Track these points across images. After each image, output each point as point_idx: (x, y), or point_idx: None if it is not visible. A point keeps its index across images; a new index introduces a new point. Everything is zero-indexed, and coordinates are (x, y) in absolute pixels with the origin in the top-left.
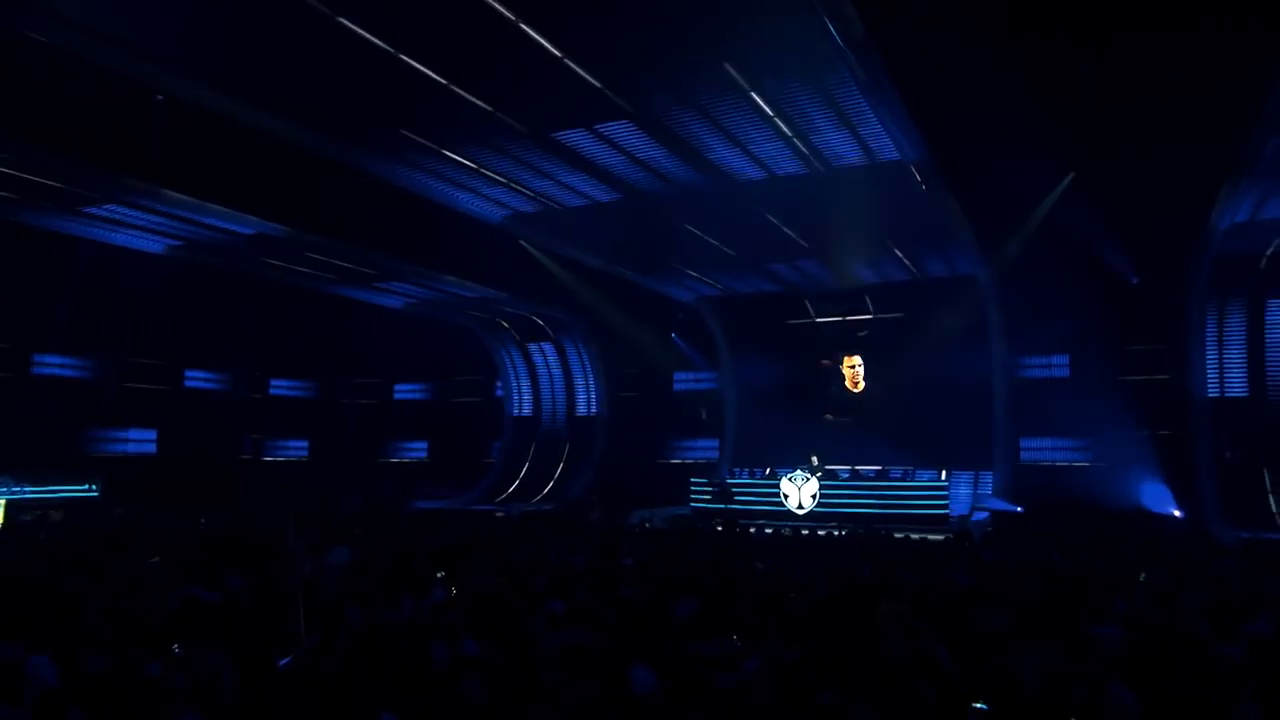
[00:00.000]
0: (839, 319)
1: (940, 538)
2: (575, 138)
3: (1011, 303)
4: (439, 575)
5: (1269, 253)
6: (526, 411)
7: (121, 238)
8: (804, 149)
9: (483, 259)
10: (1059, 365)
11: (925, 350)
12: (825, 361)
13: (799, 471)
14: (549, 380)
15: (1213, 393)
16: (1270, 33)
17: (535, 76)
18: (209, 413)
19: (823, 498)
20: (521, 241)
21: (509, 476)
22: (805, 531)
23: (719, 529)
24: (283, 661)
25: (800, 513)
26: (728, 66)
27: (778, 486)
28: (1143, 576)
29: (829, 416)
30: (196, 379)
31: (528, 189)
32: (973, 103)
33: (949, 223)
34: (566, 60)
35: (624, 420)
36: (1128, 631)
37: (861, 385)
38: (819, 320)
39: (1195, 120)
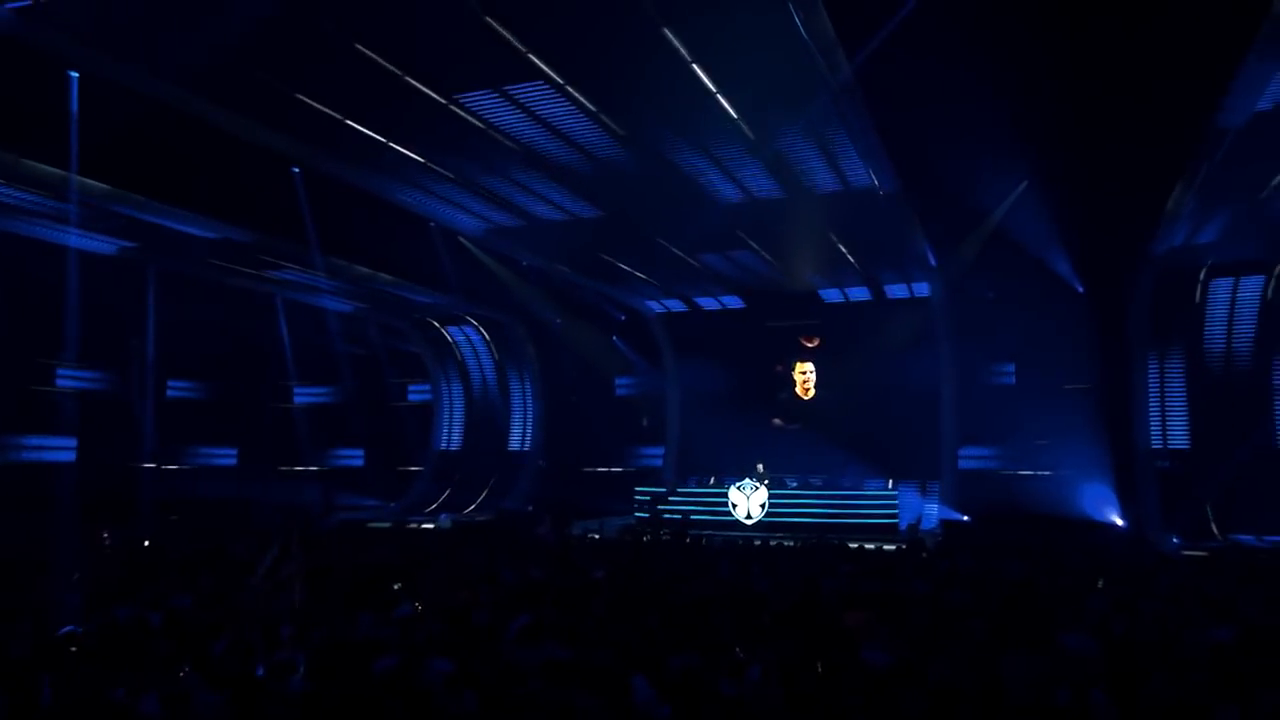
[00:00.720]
0: (788, 324)
1: (892, 547)
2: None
3: (960, 311)
4: (395, 588)
5: (1208, 264)
6: (459, 417)
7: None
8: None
9: (415, 256)
10: (1005, 374)
11: (876, 358)
12: (779, 367)
13: (748, 480)
14: (482, 383)
15: (1153, 405)
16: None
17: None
18: (104, 419)
19: (771, 507)
20: (461, 239)
21: (440, 485)
22: (758, 542)
23: (666, 538)
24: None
25: (749, 522)
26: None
27: (725, 496)
28: (1100, 584)
29: (777, 421)
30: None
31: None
32: (938, 123)
33: (904, 234)
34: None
35: (563, 427)
36: (1097, 638)
37: (812, 393)
38: (768, 325)
39: (1144, 139)
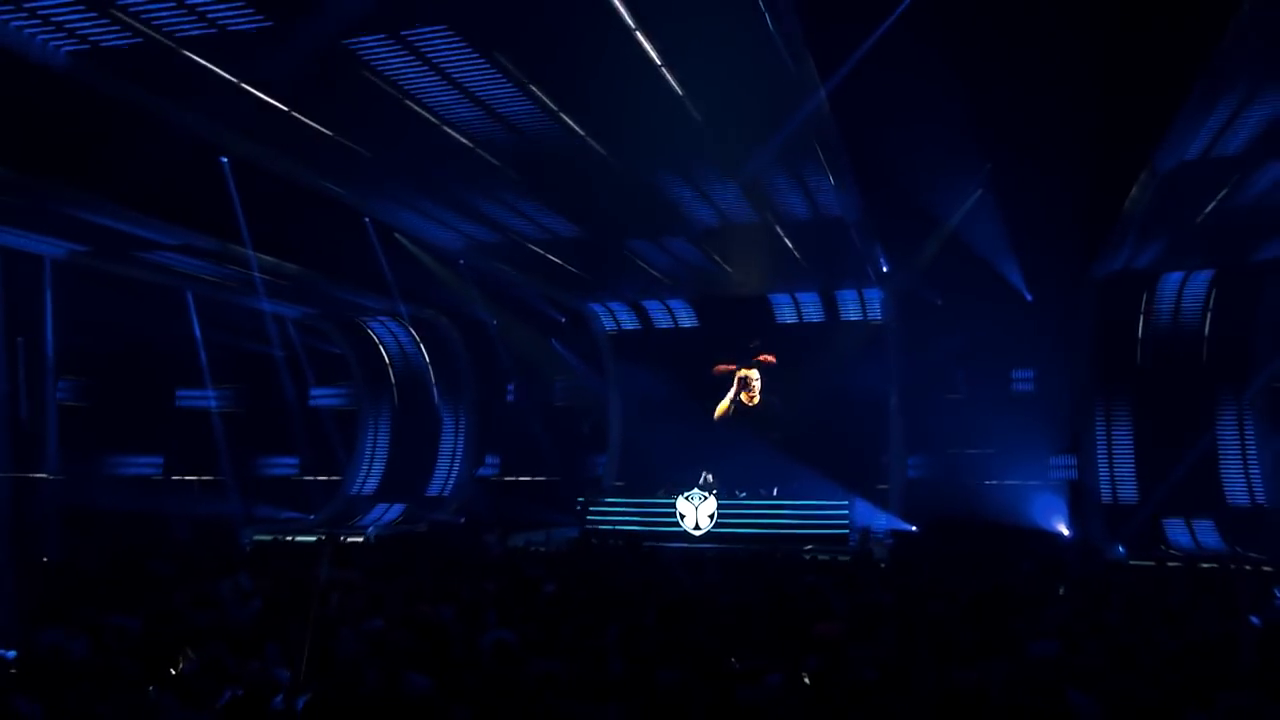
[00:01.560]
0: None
1: (846, 558)
2: None
3: (910, 318)
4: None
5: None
6: (384, 423)
7: None
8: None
9: (344, 250)
10: (952, 379)
11: (824, 364)
12: (720, 367)
13: (696, 490)
14: (411, 387)
15: (1099, 415)
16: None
17: None
18: None
19: (720, 518)
20: (398, 236)
21: (364, 495)
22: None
23: (617, 545)
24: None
25: (697, 533)
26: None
27: (672, 506)
28: (1061, 591)
29: (720, 414)
30: None
31: None
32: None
33: (860, 244)
34: None
35: (498, 433)
36: (1061, 644)
37: (757, 399)
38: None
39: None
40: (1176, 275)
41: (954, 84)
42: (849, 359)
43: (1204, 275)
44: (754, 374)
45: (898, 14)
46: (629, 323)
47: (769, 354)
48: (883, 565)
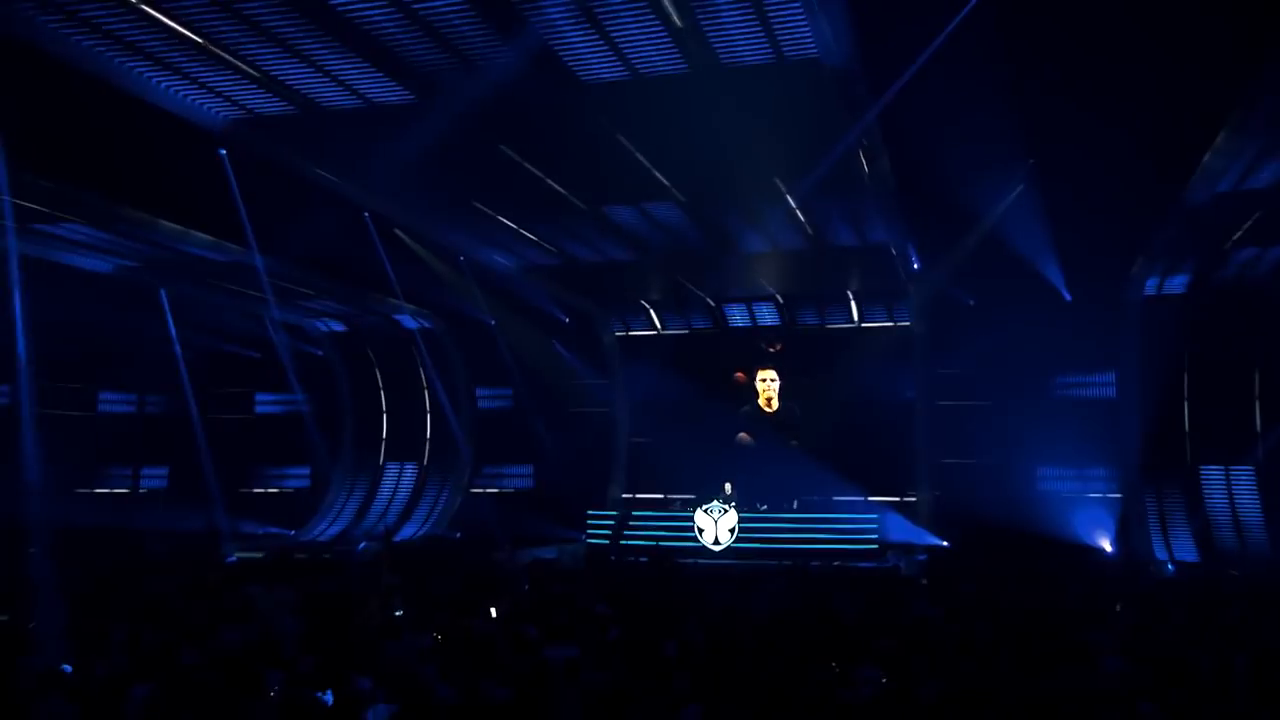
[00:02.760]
0: (750, 326)
1: (876, 572)
2: None
3: (941, 318)
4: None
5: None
6: (372, 427)
7: None
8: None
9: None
10: (986, 382)
11: (847, 366)
12: (739, 375)
13: (715, 503)
14: (398, 391)
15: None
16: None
17: None
18: None
19: (742, 532)
20: (398, 231)
21: (352, 508)
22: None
23: (643, 561)
24: None
25: (717, 549)
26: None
27: (688, 519)
28: (1119, 608)
29: (743, 437)
30: None
31: None
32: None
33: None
34: None
35: (493, 439)
36: (1129, 661)
37: (776, 404)
38: (730, 328)
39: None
40: None
41: (999, 74)
42: (875, 362)
43: None
44: (770, 374)
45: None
46: (639, 326)
47: (777, 345)
48: (923, 581)
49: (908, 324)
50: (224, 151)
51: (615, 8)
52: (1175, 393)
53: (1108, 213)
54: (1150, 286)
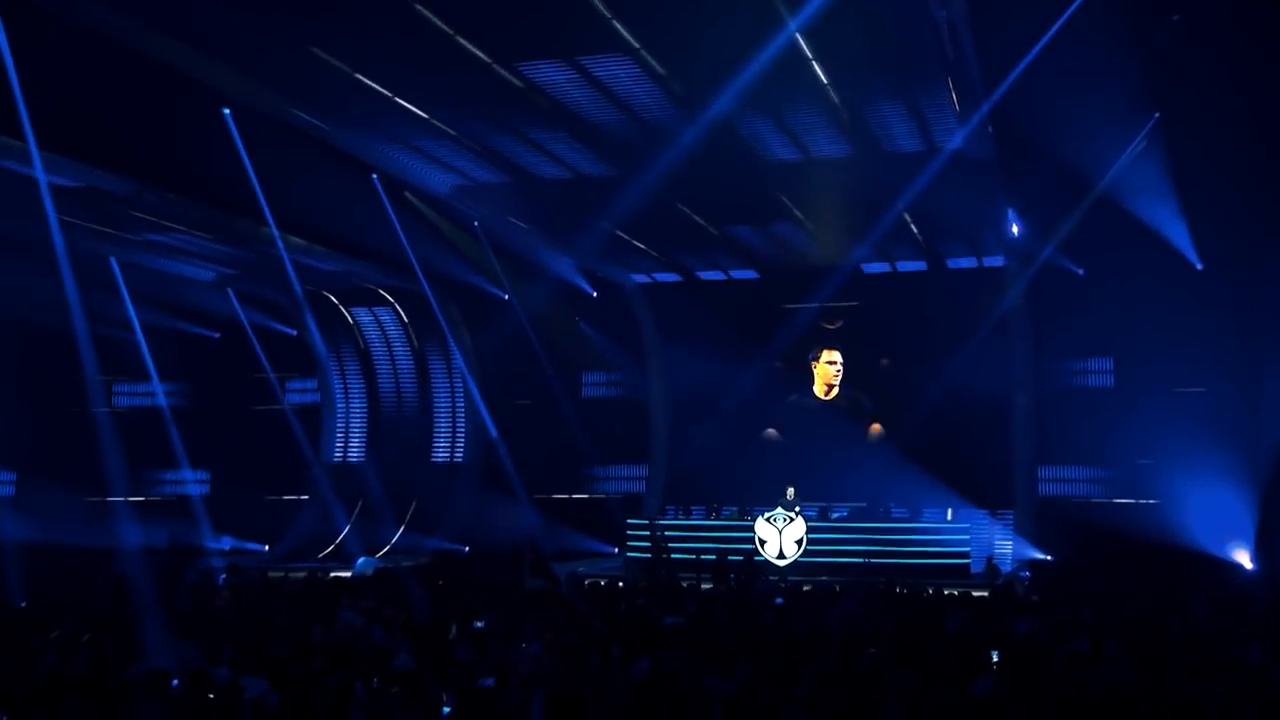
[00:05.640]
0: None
1: (981, 592)
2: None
3: (1044, 293)
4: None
5: None
6: (359, 425)
7: None
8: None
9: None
10: (1099, 372)
11: (928, 351)
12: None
13: (779, 511)
14: (394, 381)
15: None
16: None
17: None
18: None
19: (810, 544)
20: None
21: (336, 520)
22: (807, 587)
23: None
24: None
25: (782, 564)
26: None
27: (745, 529)
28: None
29: (770, 433)
30: None
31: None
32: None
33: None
34: None
35: (514, 438)
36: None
37: (836, 391)
38: (787, 306)
39: None
40: None
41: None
42: (964, 346)
43: None
44: (836, 356)
45: None
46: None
47: (837, 321)
48: (1034, 599)
49: (1006, 299)
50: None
51: None
52: None
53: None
54: None
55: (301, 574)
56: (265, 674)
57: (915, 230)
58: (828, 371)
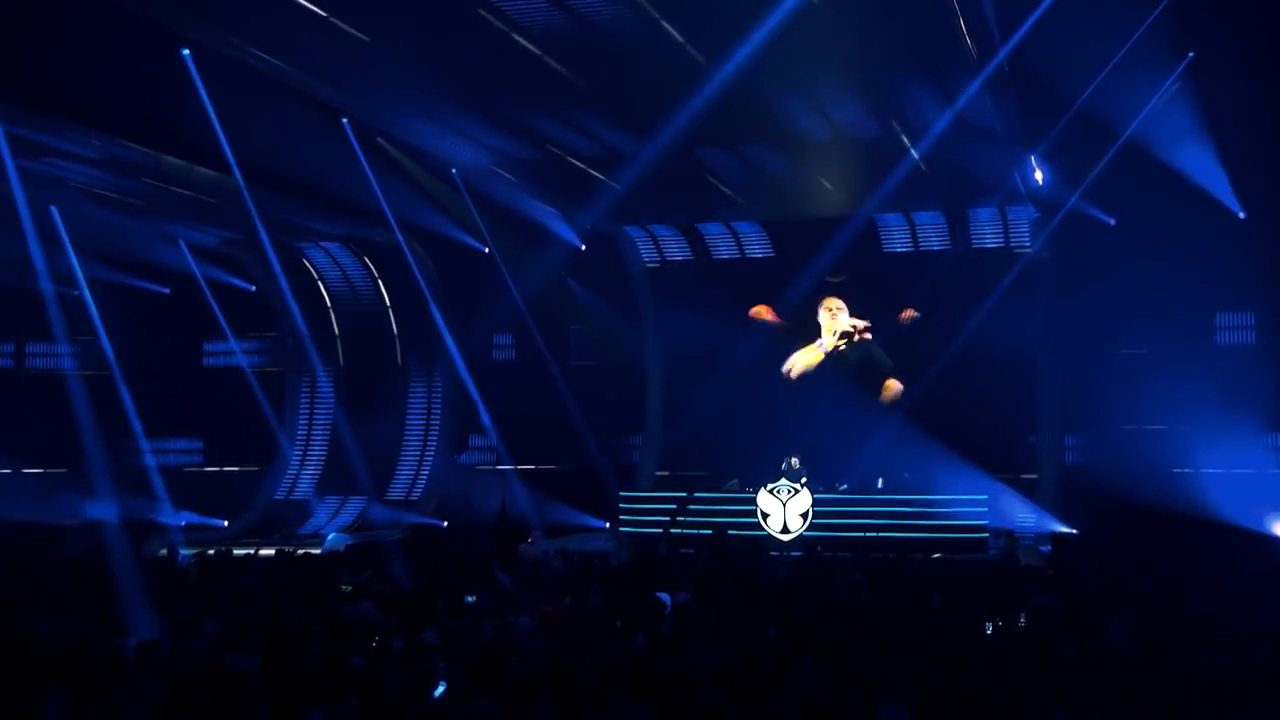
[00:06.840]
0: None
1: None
2: None
3: (1072, 245)
4: None
5: None
6: (325, 389)
7: None
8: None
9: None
10: (1129, 330)
11: (949, 309)
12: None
13: (783, 482)
14: (371, 337)
15: None
16: None
17: None
18: None
19: (815, 518)
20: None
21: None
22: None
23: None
24: None
25: (785, 538)
26: None
27: (746, 502)
28: None
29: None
30: None
31: None
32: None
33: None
34: None
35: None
36: None
37: (843, 345)
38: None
39: None
40: None
41: None
42: (984, 302)
43: None
44: (837, 303)
45: None
46: (677, 252)
47: (840, 276)
48: (1050, 573)
49: (1028, 249)
50: None
51: None
52: None
53: None
54: None
55: (270, 551)
56: (254, 650)
57: (930, 177)
58: (827, 318)
